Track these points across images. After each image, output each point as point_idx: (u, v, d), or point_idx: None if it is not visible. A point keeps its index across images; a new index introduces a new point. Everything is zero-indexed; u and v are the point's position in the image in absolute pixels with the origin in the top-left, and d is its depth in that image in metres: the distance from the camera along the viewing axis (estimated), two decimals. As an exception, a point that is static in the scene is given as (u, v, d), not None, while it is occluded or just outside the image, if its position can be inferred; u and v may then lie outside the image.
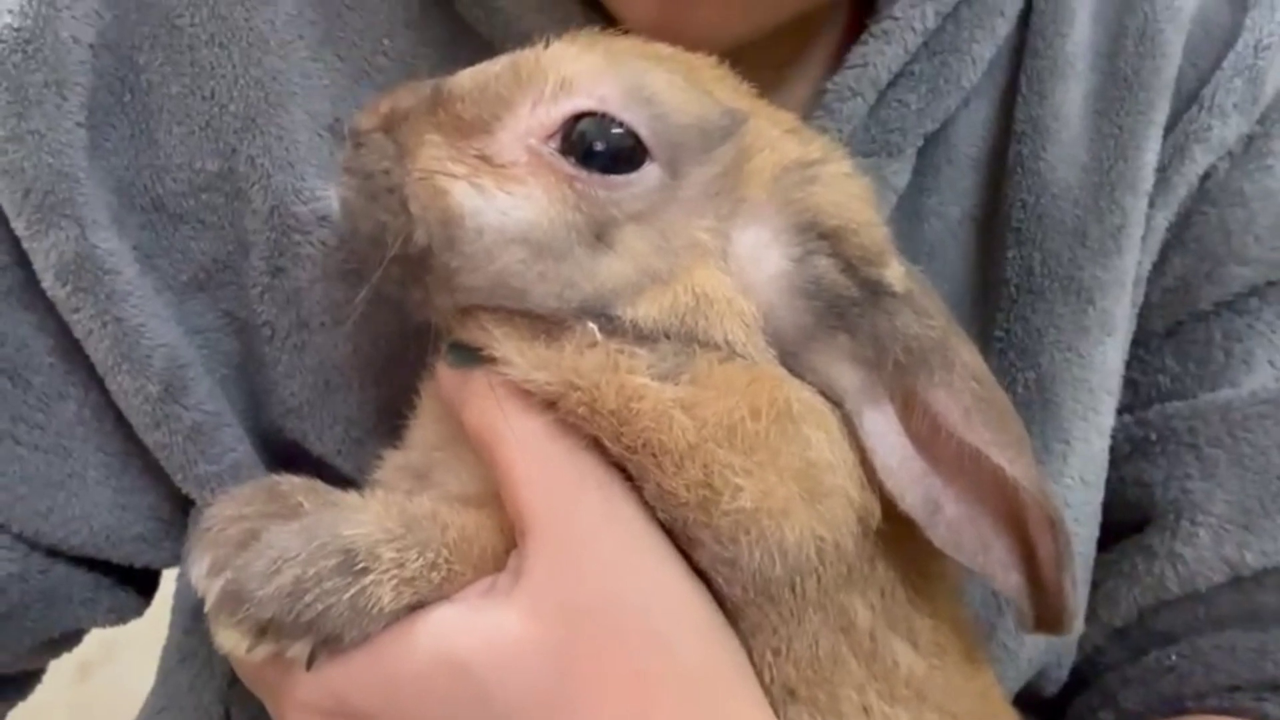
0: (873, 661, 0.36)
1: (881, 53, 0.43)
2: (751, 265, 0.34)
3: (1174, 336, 0.49)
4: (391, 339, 0.43)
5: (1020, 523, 0.34)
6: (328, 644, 0.31)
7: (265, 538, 0.32)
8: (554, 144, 0.33)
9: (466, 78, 0.35)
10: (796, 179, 0.35)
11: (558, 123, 0.33)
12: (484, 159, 0.33)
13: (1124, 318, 0.46)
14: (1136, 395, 0.49)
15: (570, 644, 0.31)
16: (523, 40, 0.38)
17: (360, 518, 0.32)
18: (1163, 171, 0.46)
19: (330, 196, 0.36)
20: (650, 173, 0.33)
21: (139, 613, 0.48)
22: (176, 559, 0.46)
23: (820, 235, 0.34)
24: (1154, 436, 0.48)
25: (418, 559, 0.31)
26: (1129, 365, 0.49)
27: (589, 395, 0.32)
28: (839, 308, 0.34)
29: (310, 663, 0.31)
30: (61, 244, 0.39)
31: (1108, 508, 0.49)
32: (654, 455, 0.31)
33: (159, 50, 0.41)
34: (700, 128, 0.34)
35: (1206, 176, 0.47)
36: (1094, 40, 0.47)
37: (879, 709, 0.36)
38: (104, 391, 0.42)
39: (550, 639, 0.31)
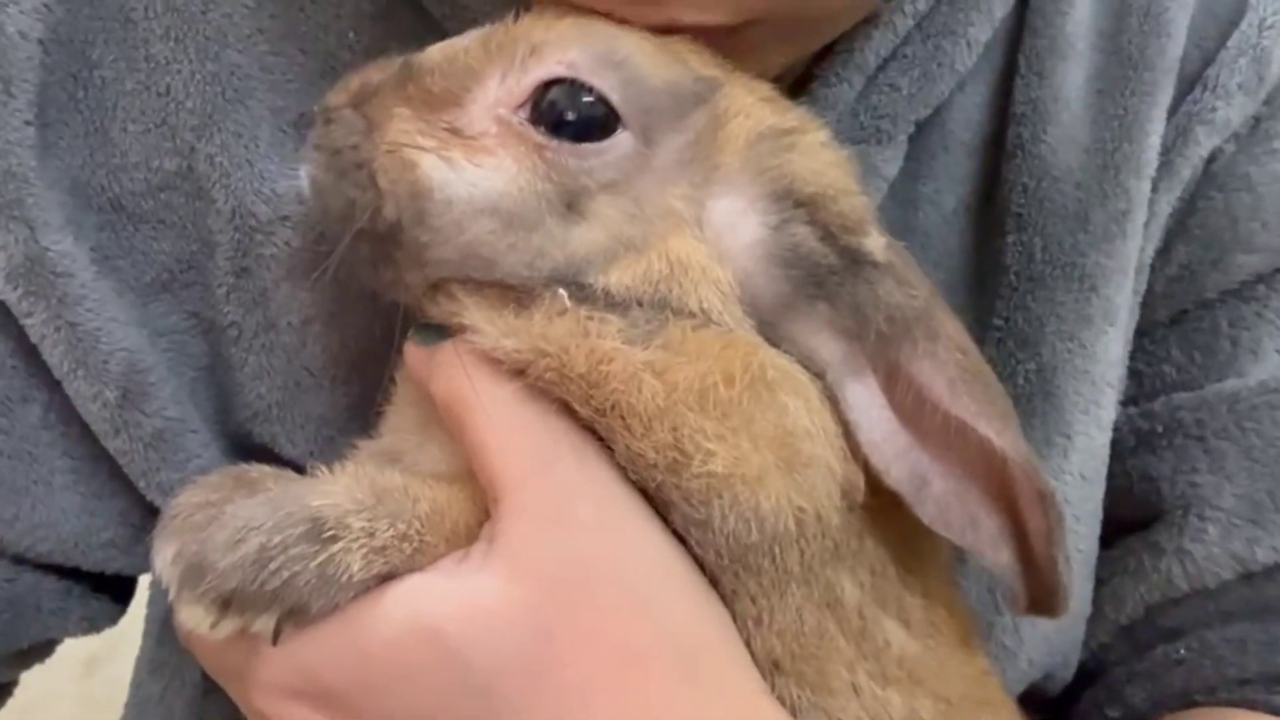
0: (862, 640, 0.35)
1: (869, 37, 0.42)
2: (727, 233, 0.34)
3: (1179, 326, 0.48)
4: (360, 338, 0.42)
5: (1010, 497, 0.33)
6: (294, 615, 0.30)
7: (229, 510, 0.31)
8: (524, 114, 0.33)
9: (436, 51, 0.35)
10: (772, 146, 0.34)
11: (527, 91, 0.33)
12: (454, 131, 0.33)
13: (1126, 307, 0.45)
14: (1141, 387, 0.48)
15: (550, 609, 0.30)
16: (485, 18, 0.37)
17: (328, 488, 0.32)
18: (1167, 154, 0.45)
19: (300, 181, 0.35)
20: (622, 140, 0.33)
21: (114, 621, 0.47)
22: (149, 565, 0.46)
23: (797, 203, 0.34)
24: (1160, 429, 0.47)
25: (388, 529, 0.31)
26: (1133, 356, 0.48)
27: (558, 360, 0.31)
28: (818, 276, 0.33)
29: (276, 637, 0.30)
30: (10, 246, 0.38)
31: (1113, 503, 0.48)
32: (622, 418, 0.31)
33: (113, 45, 0.41)
34: (673, 93, 0.33)
35: (1211, 160, 0.46)
36: (1096, 19, 0.46)
37: (869, 689, 0.35)
38: (63, 398, 0.41)
39: (530, 604, 0.30)
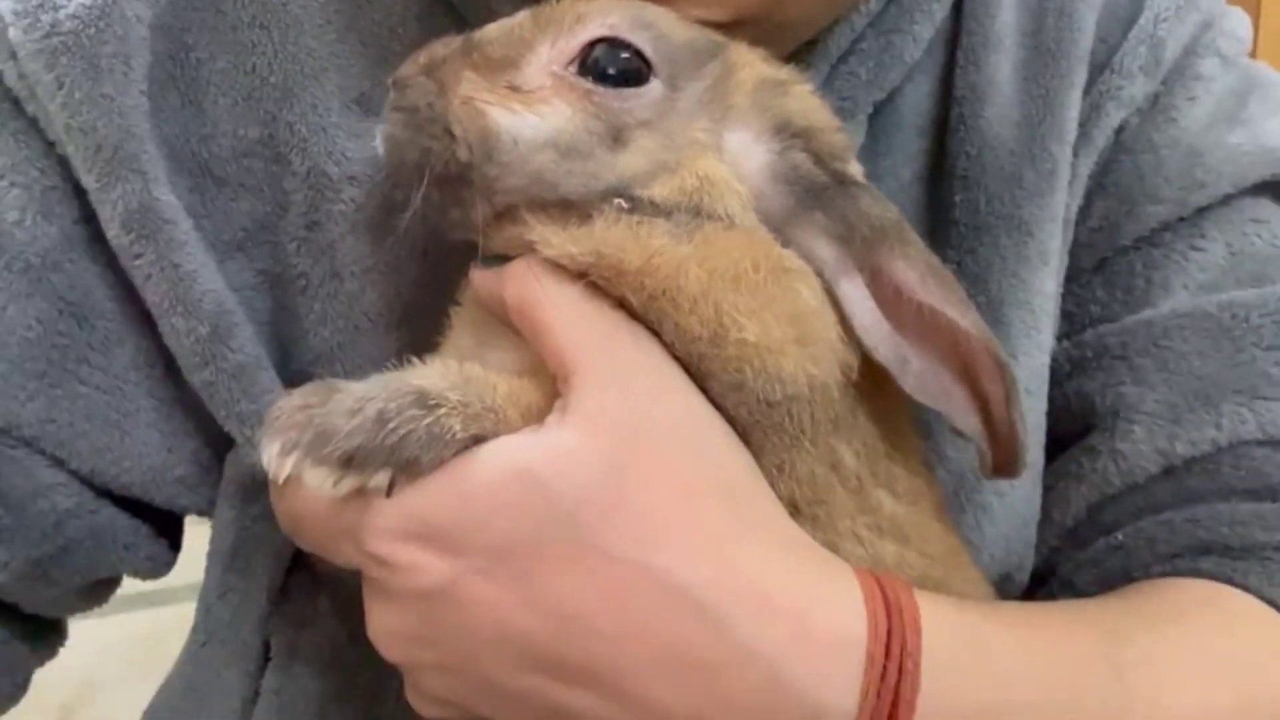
0: (860, 497, 0.42)
1: (832, 32, 0.50)
2: (741, 158, 0.41)
3: (1101, 271, 0.55)
4: (413, 288, 0.48)
5: (974, 369, 0.39)
6: (407, 469, 0.35)
7: (344, 389, 0.36)
8: (573, 69, 0.40)
9: (493, 28, 0.42)
10: (772, 91, 0.42)
11: (575, 50, 0.40)
12: (513, 89, 0.40)
13: (1056, 250, 0.53)
14: (1073, 323, 0.55)
15: (621, 452, 0.35)
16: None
17: (425, 372, 0.38)
18: (1084, 126, 0.53)
19: (374, 143, 0.42)
20: (654, 86, 0.40)
21: (168, 567, 0.52)
22: (209, 505, 0.50)
23: (794, 134, 0.41)
24: (1090, 354, 0.54)
25: (478, 402, 0.36)
26: (1065, 298, 0.55)
27: (615, 258, 0.37)
28: (814, 191, 0.40)
29: (390, 489, 0.35)
30: (127, 195, 0.44)
31: (1055, 421, 0.54)
32: (673, 300, 0.37)
33: (205, 31, 0.47)
34: (692, 49, 0.41)
35: (1121, 130, 0.54)
36: (1019, 20, 0.55)
37: (868, 538, 0.41)
38: (156, 339, 0.47)
39: (603, 448, 0.35)
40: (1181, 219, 0.54)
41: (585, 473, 0.35)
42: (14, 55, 0.44)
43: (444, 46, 0.42)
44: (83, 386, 0.46)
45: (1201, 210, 0.54)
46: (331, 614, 0.51)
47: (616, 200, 0.38)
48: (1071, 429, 0.54)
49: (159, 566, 0.52)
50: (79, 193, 0.45)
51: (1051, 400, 0.55)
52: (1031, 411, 0.52)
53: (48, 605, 0.49)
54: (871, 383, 0.41)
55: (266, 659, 0.51)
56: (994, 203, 0.52)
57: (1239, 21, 0.58)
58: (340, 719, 0.51)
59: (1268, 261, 0.53)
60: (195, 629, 0.52)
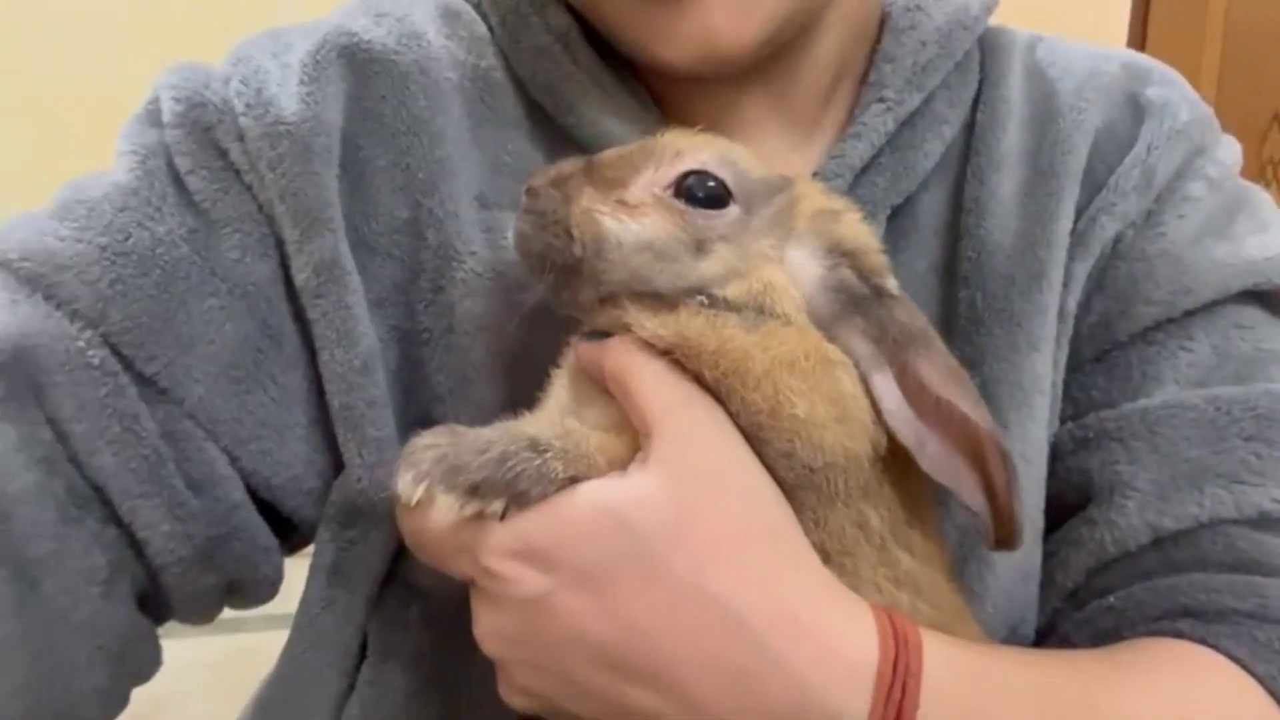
0: (882, 553, 0.48)
1: (855, 149, 0.60)
2: (798, 270, 0.49)
3: (1102, 362, 0.62)
4: (513, 347, 0.57)
5: (981, 456, 0.45)
6: (518, 500, 0.43)
7: (467, 433, 0.45)
8: (670, 191, 0.49)
9: (610, 153, 0.52)
10: (827, 218, 0.50)
11: (672, 178, 0.49)
12: (622, 203, 0.49)
13: (1046, 338, 0.60)
14: (1078, 407, 0.62)
15: (690, 496, 0.43)
16: (604, 139, 0.56)
17: (535, 422, 0.47)
18: (1082, 235, 0.61)
19: (507, 233, 0.51)
20: (733, 210, 0.49)
21: (280, 580, 0.59)
22: (316, 522, 0.58)
23: (843, 254, 0.49)
24: (1091, 435, 0.60)
25: (576, 450, 0.45)
26: (1071, 385, 0.62)
27: (696, 343, 0.45)
28: (856, 300, 0.48)
29: (503, 515, 0.43)
30: (322, 249, 0.54)
31: (1060, 494, 0.61)
32: (740, 378, 0.45)
33: (372, 137, 0.58)
34: (765, 183, 0.50)
35: (1118, 240, 0.61)
36: (1021, 143, 0.63)
37: (887, 588, 0.48)
38: (315, 368, 0.55)
39: (675, 492, 0.42)
40: (1171, 320, 0.60)
41: (659, 512, 0.42)
42: (241, 138, 0.55)
43: (570, 165, 0.51)
44: (264, 396, 0.55)
45: (1190, 313, 0.60)
46: (421, 622, 0.58)
47: (699, 297, 0.47)
48: (1074, 501, 0.61)
49: (276, 580, 0.59)
50: (279, 245, 0.55)
51: (1055, 475, 0.62)
52: (1029, 477, 0.59)
53: (193, 599, 0.55)
54: (897, 460, 0.48)
55: (362, 657, 0.59)
56: (990, 299, 0.60)
57: (1229, 150, 0.65)
58: (423, 707, 0.58)
59: (1251, 362, 0.59)
60: (296, 637, 0.60)
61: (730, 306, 0.48)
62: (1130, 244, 0.62)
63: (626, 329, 0.48)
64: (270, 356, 0.55)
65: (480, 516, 0.44)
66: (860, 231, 0.51)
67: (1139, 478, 0.58)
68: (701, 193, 0.49)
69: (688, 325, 0.46)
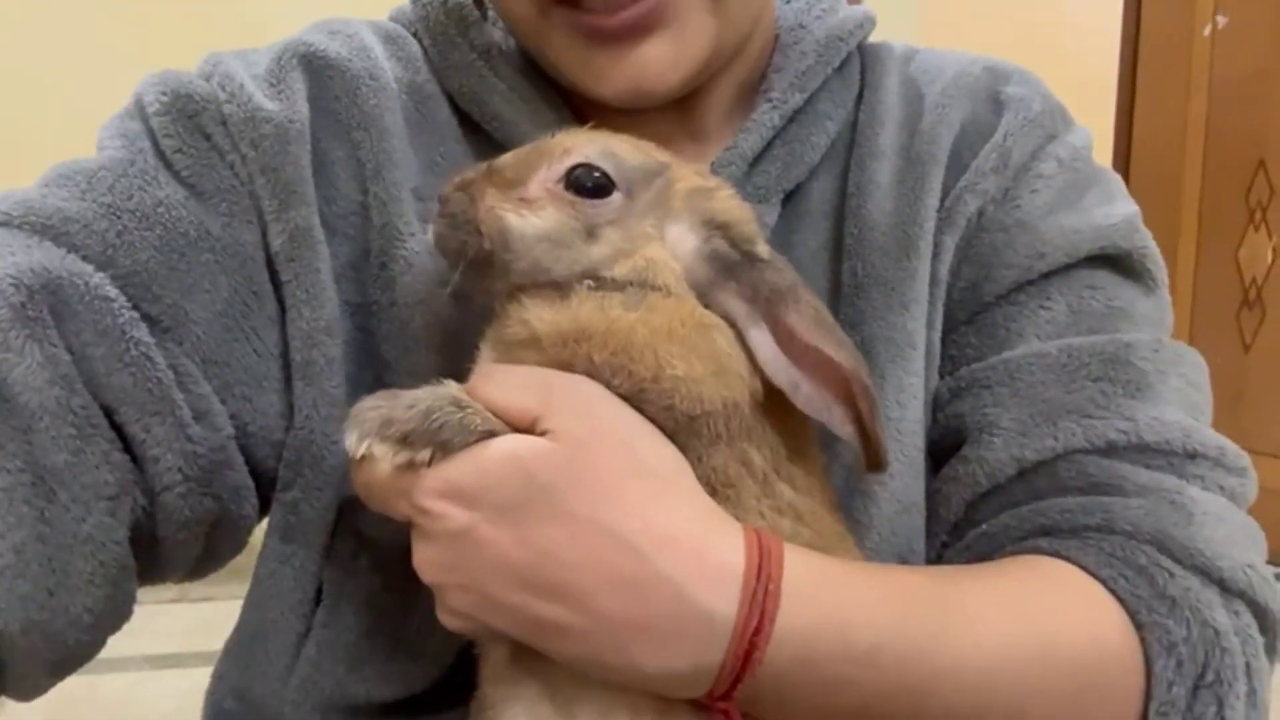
0: (764, 486, 0.54)
1: (747, 140, 0.69)
2: (678, 244, 0.55)
3: (973, 323, 0.70)
4: (448, 323, 0.63)
5: (848, 393, 0.51)
6: (443, 448, 0.49)
7: (402, 396, 0.50)
8: (561, 185, 0.55)
9: (508, 156, 0.57)
10: (702, 196, 0.56)
11: (562, 173, 0.55)
12: (522, 200, 0.55)
13: (915, 300, 0.67)
14: (954, 364, 0.69)
15: (581, 450, 0.49)
16: (524, 143, 0.60)
17: (459, 386, 0.52)
18: (949, 211, 0.69)
19: (427, 231, 0.59)
20: (616, 197, 0.55)
21: (245, 540, 0.63)
22: (274, 479, 0.63)
23: (716, 226, 0.55)
24: (964, 385, 0.68)
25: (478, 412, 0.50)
26: (948, 344, 0.70)
27: (589, 328, 0.51)
28: (729, 267, 0.54)
29: (430, 462, 0.49)
30: (297, 219, 0.61)
31: (941, 439, 0.68)
32: (627, 354, 0.51)
33: (328, 131, 0.66)
34: (644, 169, 0.56)
35: (980, 214, 0.69)
36: (897, 138, 0.72)
37: (770, 515, 0.54)
38: (283, 332, 0.61)
39: (569, 447, 0.49)
40: (1030, 282, 0.67)
41: (557, 463, 0.49)
42: (224, 123, 0.61)
43: (473, 170, 0.57)
44: (248, 347, 0.60)
45: (1046, 276, 0.67)
46: (370, 568, 0.64)
47: (587, 281, 0.54)
48: (953, 444, 0.68)
49: (250, 526, 0.63)
50: (259, 214, 0.61)
51: (938, 422, 0.69)
52: (904, 421, 0.66)
53: (184, 527, 0.57)
54: (778, 405, 0.54)
55: (318, 602, 0.65)
56: (868, 268, 0.68)
57: (1079, 135, 0.74)
58: (373, 645, 0.64)
59: (1103, 317, 0.66)
60: (256, 589, 0.67)
61: (617, 285, 0.54)
62: (991, 217, 0.69)
63: (526, 324, 0.54)
64: (255, 311, 0.61)
65: (412, 464, 0.50)
66: (732, 206, 0.57)
67: (1003, 418, 0.64)
68: (589, 183, 0.55)
69: (580, 311, 0.53)
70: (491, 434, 0.50)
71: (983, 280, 0.69)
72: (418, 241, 0.64)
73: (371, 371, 0.64)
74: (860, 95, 0.73)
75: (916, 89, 0.74)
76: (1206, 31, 3.17)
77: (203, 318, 0.58)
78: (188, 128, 0.61)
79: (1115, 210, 0.70)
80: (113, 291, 0.55)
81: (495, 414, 0.51)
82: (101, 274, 0.55)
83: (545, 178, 0.56)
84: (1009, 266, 0.68)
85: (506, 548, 0.49)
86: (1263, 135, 3.00)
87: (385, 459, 0.50)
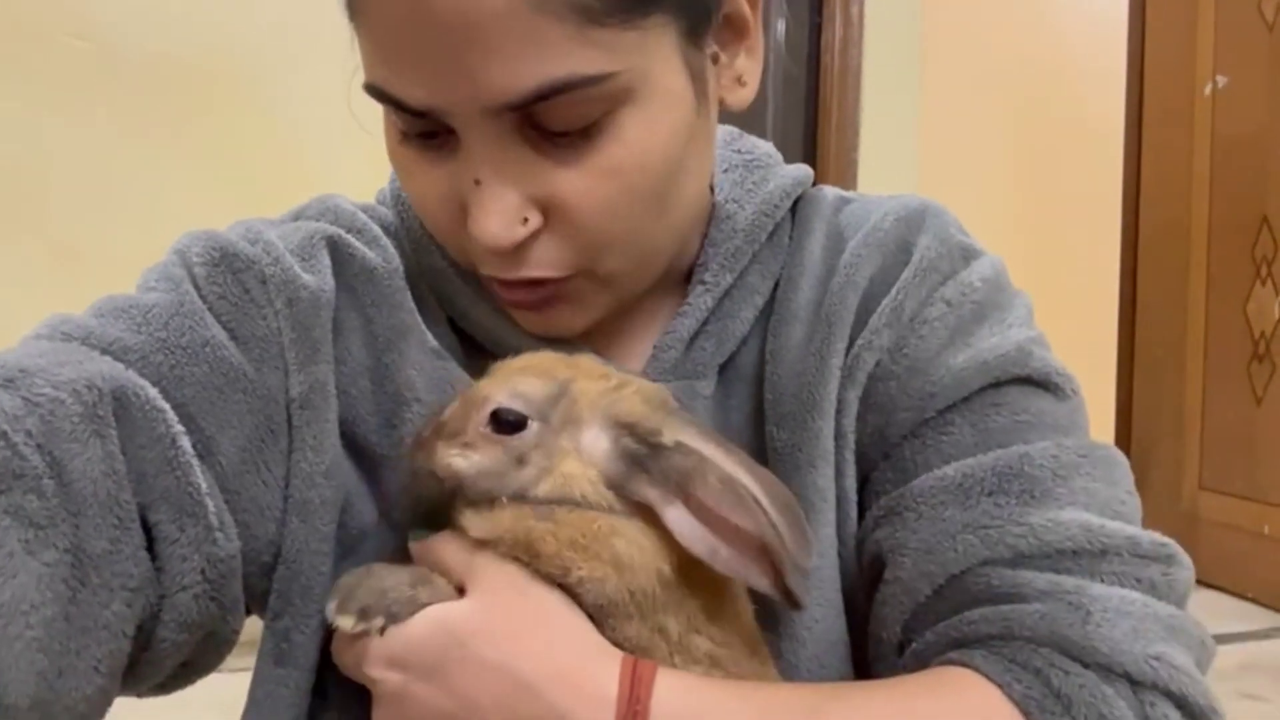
0: (679, 648, 0.59)
1: (684, 324, 0.77)
2: (593, 448, 0.60)
3: (888, 459, 0.73)
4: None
5: (763, 552, 0.56)
6: (392, 619, 0.57)
7: (371, 576, 0.59)
8: (489, 428, 0.61)
9: (453, 407, 0.63)
10: (606, 400, 0.61)
11: (486, 418, 0.61)
12: (465, 445, 0.61)
13: (821, 456, 0.71)
14: (876, 497, 0.72)
15: (496, 609, 0.57)
16: (495, 340, 0.71)
17: (410, 569, 0.60)
18: (850, 369, 0.75)
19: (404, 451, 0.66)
20: (533, 426, 0.60)
21: (224, 656, 0.66)
22: (246, 603, 0.66)
23: (622, 426, 0.60)
24: (881, 515, 0.71)
25: (438, 583, 0.59)
26: (871, 482, 0.73)
27: (509, 536, 0.58)
28: (638, 460, 0.59)
29: (382, 631, 0.57)
30: (317, 373, 0.67)
31: (871, 568, 0.71)
32: (538, 559, 0.58)
33: (344, 305, 0.71)
34: (549, 396, 0.61)
35: (877, 366, 0.72)
36: (812, 297, 0.74)
37: (683, 665, 0.59)
38: (288, 470, 0.67)
39: (486, 608, 0.57)
40: (926, 420, 0.70)
41: (475, 622, 0.57)
42: (265, 282, 0.67)
43: (426, 427, 0.64)
44: (258, 479, 0.66)
45: (942, 411, 0.70)
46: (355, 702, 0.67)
47: (504, 499, 0.60)
48: (878, 569, 0.71)
49: (234, 641, 0.66)
50: (285, 364, 0.67)
51: (865, 553, 0.76)
52: (822, 569, 0.70)
53: (183, 630, 0.60)
54: (702, 568, 0.58)
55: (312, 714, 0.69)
56: (781, 431, 0.72)
57: (977, 270, 0.74)
58: None
59: (1008, 432, 0.68)
60: (252, 714, 0.69)
61: (538, 501, 0.60)
62: (885, 368, 0.72)
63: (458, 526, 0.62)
64: (269, 449, 0.66)
65: (368, 634, 0.58)
66: (634, 404, 0.62)
67: (910, 540, 0.68)
68: (510, 420, 0.62)
69: (500, 521, 0.60)
70: (432, 602, 0.59)
71: (885, 425, 0.72)
72: (424, 406, 0.71)
73: (367, 517, 0.70)
74: (788, 253, 0.76)
75: (840, 242, 0.76)
76: (1207, 91, 3.16)
77: (229, 451, 0.64)
78: (231, 281, 0.67)
79: (1008, 339, 0.71)
80: (165, 405, 0.60)
81: (439, 572, 0.60)
82: (156, 389, 0.60)
83: (477, 423, 0.63)
84: (905, 410, 0.71)
85: (438, 700, 0.57)
86: (1265, 192, 2.99)
87: (344, 626, 0.58)
